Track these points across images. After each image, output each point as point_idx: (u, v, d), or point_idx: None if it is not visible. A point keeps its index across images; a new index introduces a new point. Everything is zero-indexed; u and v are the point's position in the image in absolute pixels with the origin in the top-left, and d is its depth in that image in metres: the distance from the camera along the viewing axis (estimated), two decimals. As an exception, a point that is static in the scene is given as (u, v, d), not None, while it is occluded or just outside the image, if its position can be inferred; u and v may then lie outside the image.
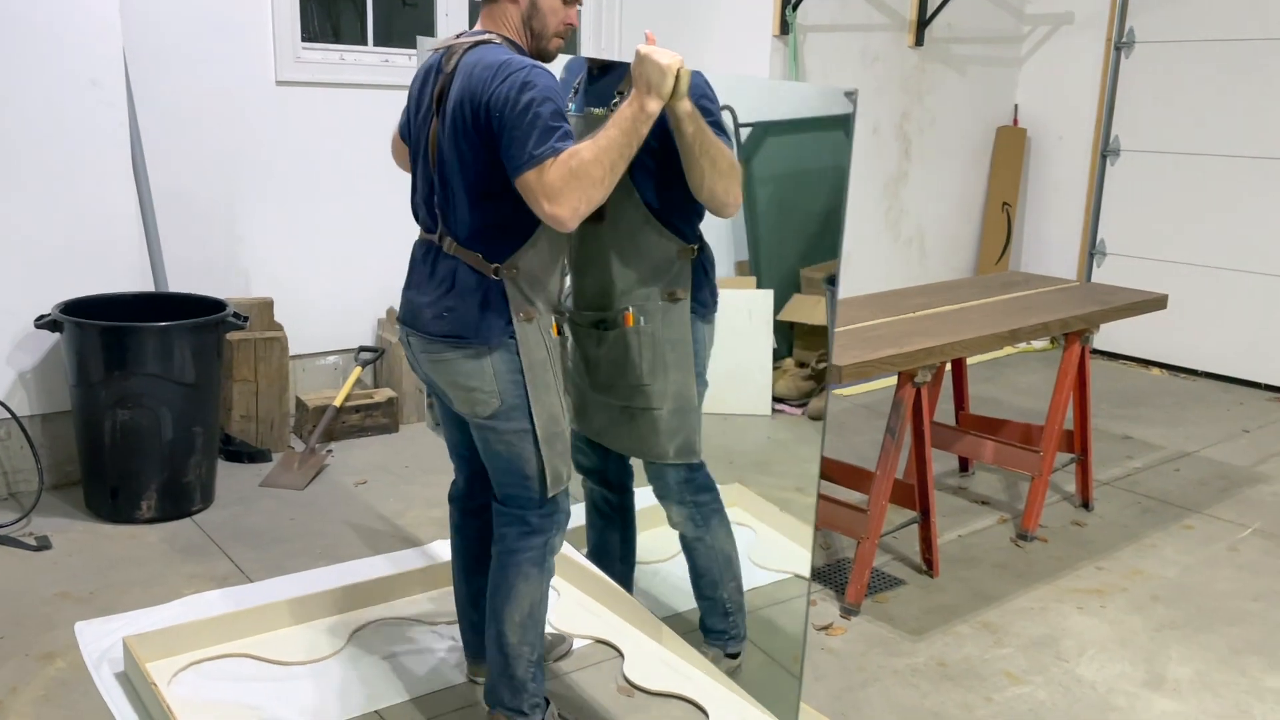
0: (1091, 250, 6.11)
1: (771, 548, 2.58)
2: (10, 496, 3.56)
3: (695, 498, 2.49)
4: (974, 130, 6.24)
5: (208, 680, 2.56)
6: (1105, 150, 6.01)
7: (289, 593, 2.95)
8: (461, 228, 2.12)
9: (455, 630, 2.83)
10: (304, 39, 4.25)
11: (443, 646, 2.76)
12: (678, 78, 1.98)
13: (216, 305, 3.59)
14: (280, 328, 4.15)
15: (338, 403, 4.16)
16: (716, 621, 2.59)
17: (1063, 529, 3.68)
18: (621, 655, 2.76)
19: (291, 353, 4.24)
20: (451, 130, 2.07)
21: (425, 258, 2.23)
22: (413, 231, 2.28)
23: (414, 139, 2.23)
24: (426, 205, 2.21)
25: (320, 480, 3.84)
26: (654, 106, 1.98)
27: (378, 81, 4.40)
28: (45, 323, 3.36)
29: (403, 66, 4.48)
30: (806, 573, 2.30)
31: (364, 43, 4.46)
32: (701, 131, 2.08)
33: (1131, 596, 3.21)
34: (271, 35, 4.12)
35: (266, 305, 4.13)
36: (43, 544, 3.23)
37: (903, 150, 5.86)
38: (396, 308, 4.52)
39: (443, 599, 2.99)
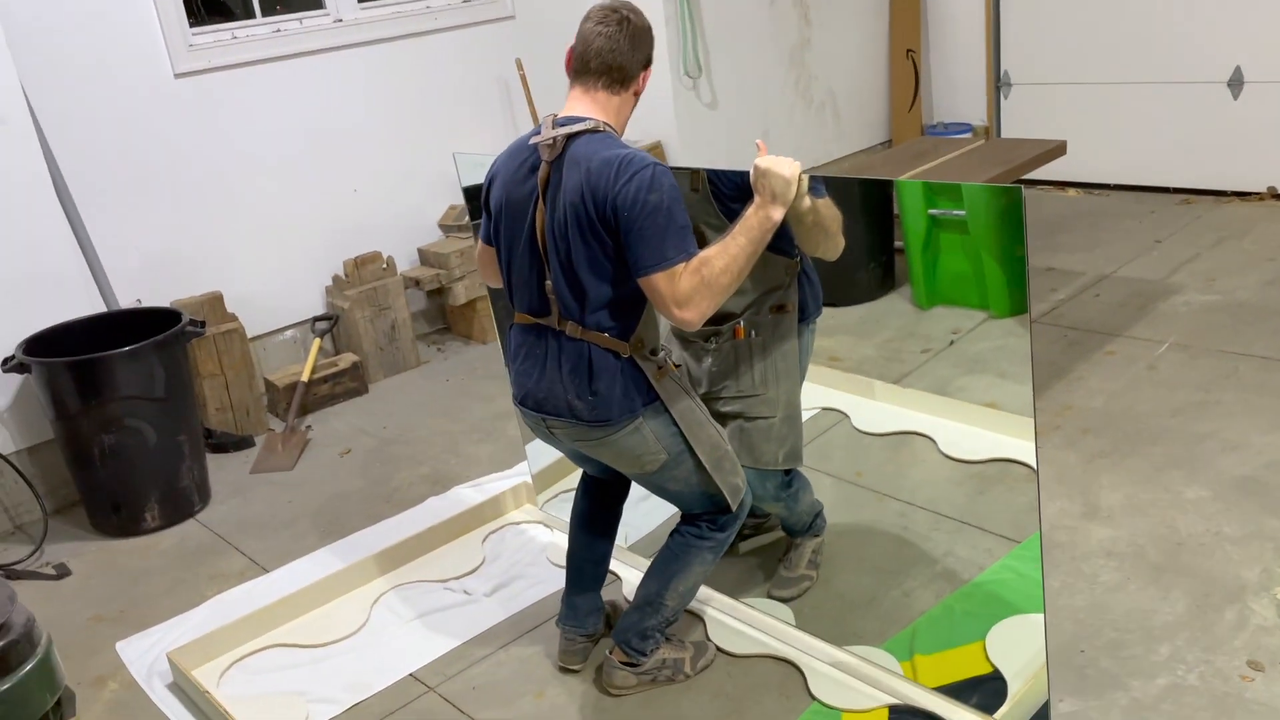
0: (997, 84, 6.27)
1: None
2: (17, 530, 3.71)
3: (787, 493, 2.69)
4: (868, -18, 6.28)
5: (251, 675, 2.81)
6: (997, -18, 6.09)
7: (305, 577, 3.17)
8: (588, 311, 2.20)
9: (465, 583, 3.08)
10: (192, 25, 4.23)
11: (456, 601, 3.01)
12: (798, 183, 2.09)
13: (172, 316, 3.69)
14: (235, 317, 4.26)
15: (305, 377, 4.31)
16: (801, 535, 2.82)
17: (998, 376, 3.96)
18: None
19: (249, 335, 4.36)
20: (574, 222, 2.14)
21: (539, 342, 2.30)
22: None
23: (510, 230, 2.29)
24: (538, 291, 2.27)
25: (306, 456, 4.02)
26: (779, 215, 2.10)
27: (273, 54, 4.40)
28: (12, 366, 3.45)
29: (295, 33, 4.46)
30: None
31: (251, 16, 4.43)
32: (818, 216, 2.18)
33: (1064, 433, 3.50)
34: (160, 29, 4.09)
35: (217, 299, 4.22)
36: (62, 571, 3.41)
37: (801, 16, 5.91)
38: (341, 273, 4.67)
39: (446, 556, 3.23)
